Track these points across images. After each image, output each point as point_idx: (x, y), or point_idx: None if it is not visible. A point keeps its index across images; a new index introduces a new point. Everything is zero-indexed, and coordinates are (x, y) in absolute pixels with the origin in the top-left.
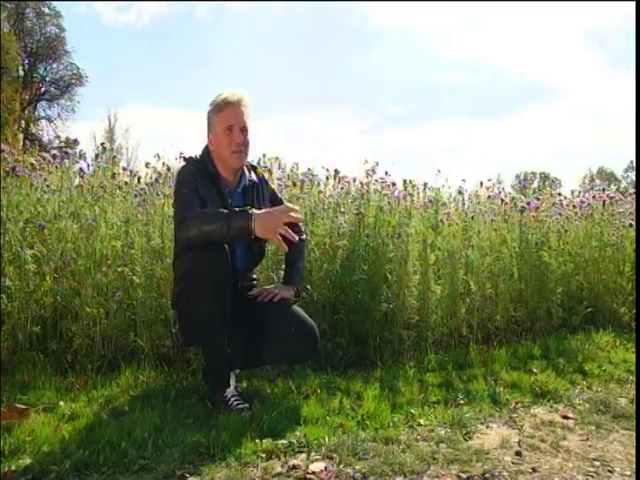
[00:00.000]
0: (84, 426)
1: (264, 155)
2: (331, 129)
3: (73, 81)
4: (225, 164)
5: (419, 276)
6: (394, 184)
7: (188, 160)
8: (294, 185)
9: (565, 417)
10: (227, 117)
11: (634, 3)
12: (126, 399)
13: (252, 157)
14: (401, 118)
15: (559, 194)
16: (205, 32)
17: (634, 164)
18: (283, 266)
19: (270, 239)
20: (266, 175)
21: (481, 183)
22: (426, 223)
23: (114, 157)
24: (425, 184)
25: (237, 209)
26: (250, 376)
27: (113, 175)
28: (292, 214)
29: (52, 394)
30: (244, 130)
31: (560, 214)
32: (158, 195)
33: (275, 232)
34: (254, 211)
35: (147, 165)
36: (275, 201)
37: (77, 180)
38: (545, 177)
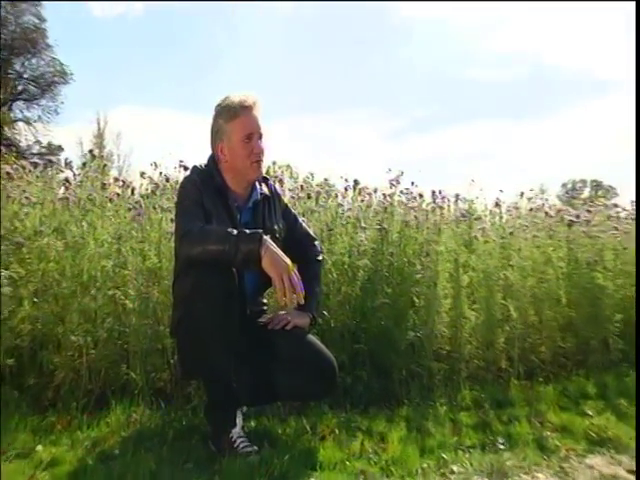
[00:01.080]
0: (66, 474)
1: (274, 163)
2: (349, 134)
3: (56, 79)
4: (240, 176)
5: (451, 300)
6: (421, 196)
7: (193, 169)
8: (308, 197)
9: (631, 472)
10: (245, 124)
11: (634, 3)
12: (116, 441)
13: None
14: (428, 121)
15: (615, 205)
16: (208, 25)
17: None
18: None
19: (272, 278)
20: (277, 187)
21: (521, 193)
22: (458, 240)
23: (104, 165)
24: (457, 195)
25: (247, 230)
26: (259, 414)
27: (103, 186)
28: (288, 283)
29: (28, 437)
30: (262, 137)
31: (616, 228)
32: (155, 209)
33: (280, 273)
34: (267, 238)
35: (142, 175)
36: (288, 218)
37: (62, 191)
38: (597, 185)
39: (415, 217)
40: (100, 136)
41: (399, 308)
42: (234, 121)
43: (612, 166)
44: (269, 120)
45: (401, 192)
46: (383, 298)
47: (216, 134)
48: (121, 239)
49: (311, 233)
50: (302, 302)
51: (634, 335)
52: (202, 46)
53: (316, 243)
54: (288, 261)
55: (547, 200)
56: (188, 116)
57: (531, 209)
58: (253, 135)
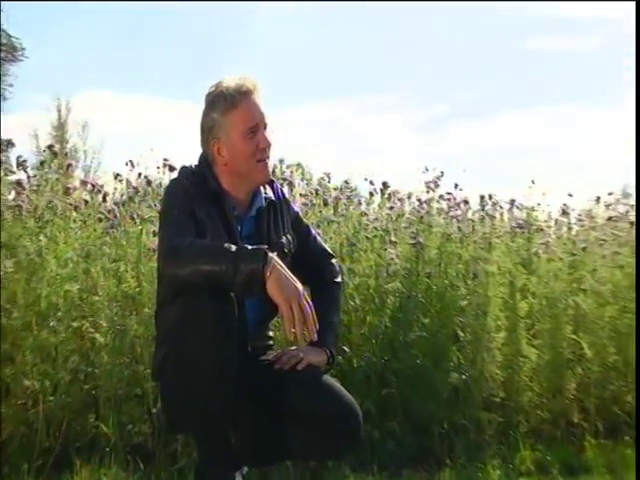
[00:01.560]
0: None
1: (281, 162)
2: (374, 124)
3: (3, 55)
4: (244, 180)
5: (505, 334)
6: (466, 202)
7: (181, 171)
8: (325, 204)
9: None
10: (247, 114)
11: (634, 3)
12: None
13: None
14: (474, 106)
15: None
16: None
17: None
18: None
19: (279, 305)
20: (285, 190)
21: (597, 198)
22: (514, 257)
23: (68, 166)
24: (512, 201)
25: (249, 246)
26: (264, 477)
27: (66, 191)
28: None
29: None
30: (266, 127)
31: None
32: (133, 219)
33: (288, 299)
34: (273, 256)
35: (117, 177)
36: (299, 230)
37: (12, 197)
38: None
39: (459, 229)
40: (61, 127)
41: (439, 343)
42: (232, 112)
43: None
44: (279, 108)
45: (441, 197)
46: (419, 330)
47: (209, 131)
48: (90, 257)
49: (328, 249)
50: (315, 336)
51: None
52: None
53: (334, 261)
54: (299, 284)
55: (632, 207)
56: (172, 102)
57: (610, 218)
58: (257, 127)
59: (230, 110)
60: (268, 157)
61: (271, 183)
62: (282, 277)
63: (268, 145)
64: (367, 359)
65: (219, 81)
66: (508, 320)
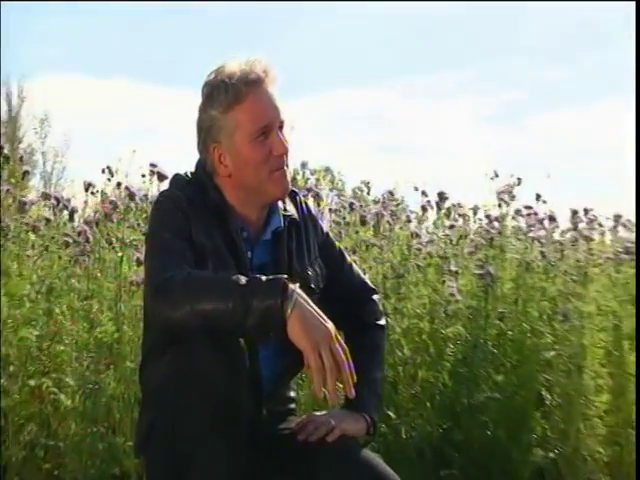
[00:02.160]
0: None
1: (304, 166)
2: (428, 114)
3: None
4: (254, 196)
5: (609, 397)
6: (552, 218)
7: (174, 180)
8: (362, 223)
9: None
10: (256, 111)
11: (634, 3)
12: None
13: None
14: (563, 91)
15: None
16: None
17: None
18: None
19: (304, 353)
20: (310, 203)
21: None
22: (619, 293)
23: (24, 173)
24: (617, 217)
25: (262, 277)
26: None
27: (21, 207)
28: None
29: None
30: (282, 126)
31: None
32: (111, 244)
33: (316, 345)
34: (295, 288)
35: (88, 188)
36: (330, 257)
37: None
38: None
39: (542, 254)
40: (12, 122)
41: (517, 409)
42: (236, 109)
43: None
44: (293, 93)
45: (517, 212)
46: (489, 391)
47: (207, 133)
48: (53, 294)
49: (368, 281)
50: (353, 393)
51: None
52: None
53: (376, 298)
54: (330, 324)
55: None
56: (159, 88)
57: None
58: (270, 127)
59: (233, 106)
60: (286, 165)
61: (292, 195)
62: (308, 315)
63: (285, 150)
64: (420, 428)
65: (220, 66)
66: (612, 378)
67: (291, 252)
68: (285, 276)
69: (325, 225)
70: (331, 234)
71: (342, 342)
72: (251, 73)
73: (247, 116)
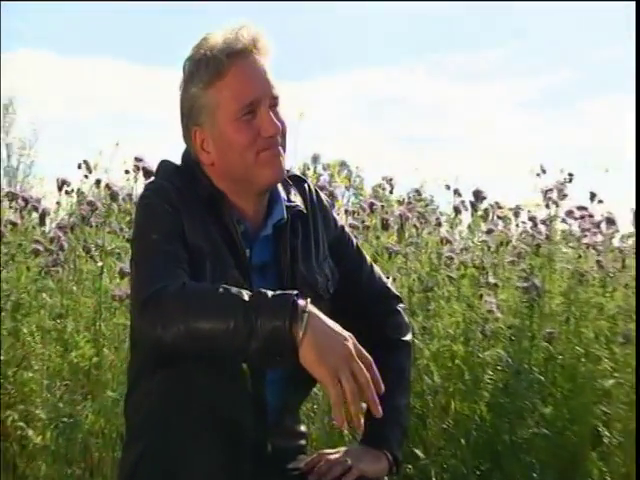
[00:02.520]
0: None
1: (315, 160)
2: (461, 96)
3: None
4: (244, 184)
5: None
6: (611, 221)
7: (162, 168)
8: (384, 227)
9: None
10: (240, 86)
11: (634, 3)
12: None
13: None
14: (618, 72)
15: None
16: None
17: None
18: (364, 405)
19: (322, 381)
20: (320, 193)
21: None
22: None
23: None
24: None
25: (269, 292)
26: None
27: None
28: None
29: None
30: (275, 104)
31: None
32: (88, 253)
33: (335, 371)
34: (306, 305)
35: (62, 186)
36: (345, 254)
37: None
38: None
39: (599, 264)
40: None
41: (568, 447)
42: (218, 84)
43: None
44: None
45: (569, 214)
46: (535, 426)
47: (189, 115)
48: (20, 310)
49: (391, 286)
50: (380, 413)
51: None
52: None
53: (401, 307)
54: (349, 341)
55: None
56: (142, 67)
57: None
58: (256, 103)
59: (214, 81)
60: (279, 145)
61: (299, 182)
62: (322, 338)
63: (276, 131)
64: (453, 470)
65: (204, 36)
66: None
67: (295, 250)
68: (295, 292)
69: (339, 217)
70: (348, 229)
71: (364, 353)
72: (235, 42)
73: (229, 92)
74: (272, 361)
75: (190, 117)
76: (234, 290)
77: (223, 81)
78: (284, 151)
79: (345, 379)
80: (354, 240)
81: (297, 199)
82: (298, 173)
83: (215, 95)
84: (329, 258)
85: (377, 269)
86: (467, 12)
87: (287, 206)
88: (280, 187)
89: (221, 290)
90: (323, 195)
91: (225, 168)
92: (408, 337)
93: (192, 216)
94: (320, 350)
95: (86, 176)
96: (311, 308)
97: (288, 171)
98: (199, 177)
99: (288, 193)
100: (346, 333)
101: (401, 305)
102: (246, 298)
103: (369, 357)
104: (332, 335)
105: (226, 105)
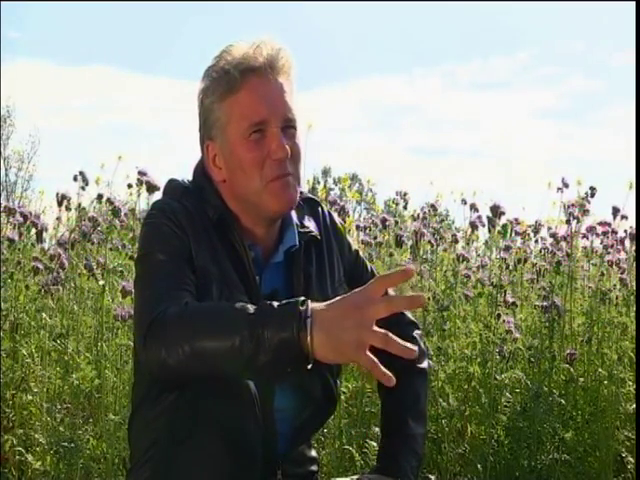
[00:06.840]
0: None
1: (325, 174)
2: (479, 106)
3: None
4: (252, 208)
5: None
6: (635, 237)
7: (169, 187)
8: (397, 243)
9: None
10: (250, 103)
11: (634, 3)
12: None
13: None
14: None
15: None
16: None
17: None
18: (377, 430)
19: (347, 362)
20: (335, 215)
21: None
22: None
23: None
24: None
25: (275, 303)
26: None
27: None
28: (397, 299)
29: None
30: (290, 127)
31: None
32: (90, 271)
33: (358, 347)
34: (310, 306)
35: (62, 201)
36: (360, 278)
37: None
38: None
39: (622, 282)
40: None
41: (590, 474)
42: (230, 99)
43: None
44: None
45: (590, 230)
46: (555, 451)
47: (203, 127)
48: (19, 331)
49: (407, 313)
50: (415, 353)
51: None
52: None
53: (417, 334)
54: (360, 300)
55: None
56: (149, 78)
57: None
58: (268, 123)
59: (226, 96)
60: (289, 174)
61: (312, 204)
62: (333, 331)
63: (285, 154)
64: None
65: (227, 46)
66: None
67: (309, 277)
68: (302, 298)
69: (353, 241)
70: (362, 253)
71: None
72: (252, 59)
73: (240, 109)
74: (282, 373)
75: (204, 130)
76: (238, 305)
77: (235, 97)
78: (296, 178)
79: (373, 340)
80: (369, 265)
81: (311, 224)
82: (311, 195)
83: (227, 110)
84: (344, 284)
85: (392, 293)
86: (481, 20)
87: (300, 232)
88: (293, 211)
89: (224, 306)
90: (337, 218)
91: (235, 187)
92: (424, 364)
93: (200, 239)
94: (336, 343)
95: (82, 188)
96: (313, 307)
97: (302, 193)
98: (209, 197)
99: (301, 217)
100: (360, 293)
101: (417, 332)
102: (251, 310)
103: (380, 330)
104: (346, 314)
105: (236, 122)
